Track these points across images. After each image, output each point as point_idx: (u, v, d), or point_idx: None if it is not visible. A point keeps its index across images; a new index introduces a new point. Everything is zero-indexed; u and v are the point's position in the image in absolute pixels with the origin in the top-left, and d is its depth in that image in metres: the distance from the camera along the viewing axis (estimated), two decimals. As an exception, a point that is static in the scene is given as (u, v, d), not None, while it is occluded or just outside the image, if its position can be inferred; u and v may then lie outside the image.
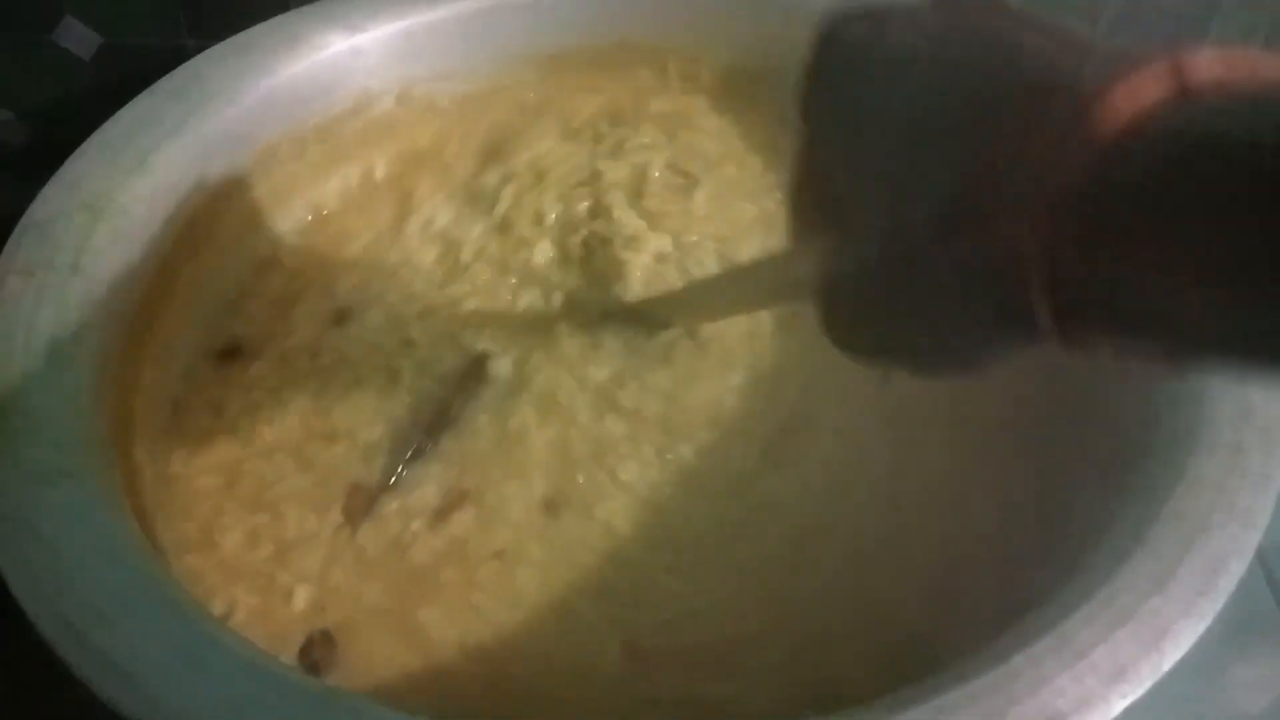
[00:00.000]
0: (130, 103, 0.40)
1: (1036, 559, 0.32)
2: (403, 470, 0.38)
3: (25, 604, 0.26)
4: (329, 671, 0.33)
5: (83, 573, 0.27)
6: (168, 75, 0.42)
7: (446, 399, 0.40)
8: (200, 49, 0.43)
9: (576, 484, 0.38)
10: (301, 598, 0.35)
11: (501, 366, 0.41)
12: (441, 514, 0.37)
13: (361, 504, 0.37)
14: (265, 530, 0.37)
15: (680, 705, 0.33)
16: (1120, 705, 0.25)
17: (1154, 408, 0.31)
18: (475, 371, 0.41)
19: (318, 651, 0.33)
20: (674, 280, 0.43)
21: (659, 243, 0.43)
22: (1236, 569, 0.27)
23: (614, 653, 0.34)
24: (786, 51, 0.44)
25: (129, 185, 0.38)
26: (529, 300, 0.43)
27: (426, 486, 0.38)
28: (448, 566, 0.36)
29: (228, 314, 0.43)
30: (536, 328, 0.42)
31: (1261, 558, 0.50)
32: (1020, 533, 0.34)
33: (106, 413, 0.34)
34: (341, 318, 0.43)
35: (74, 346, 0.33)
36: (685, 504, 0.37)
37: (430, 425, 0.39)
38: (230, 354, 0.42)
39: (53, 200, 0.36)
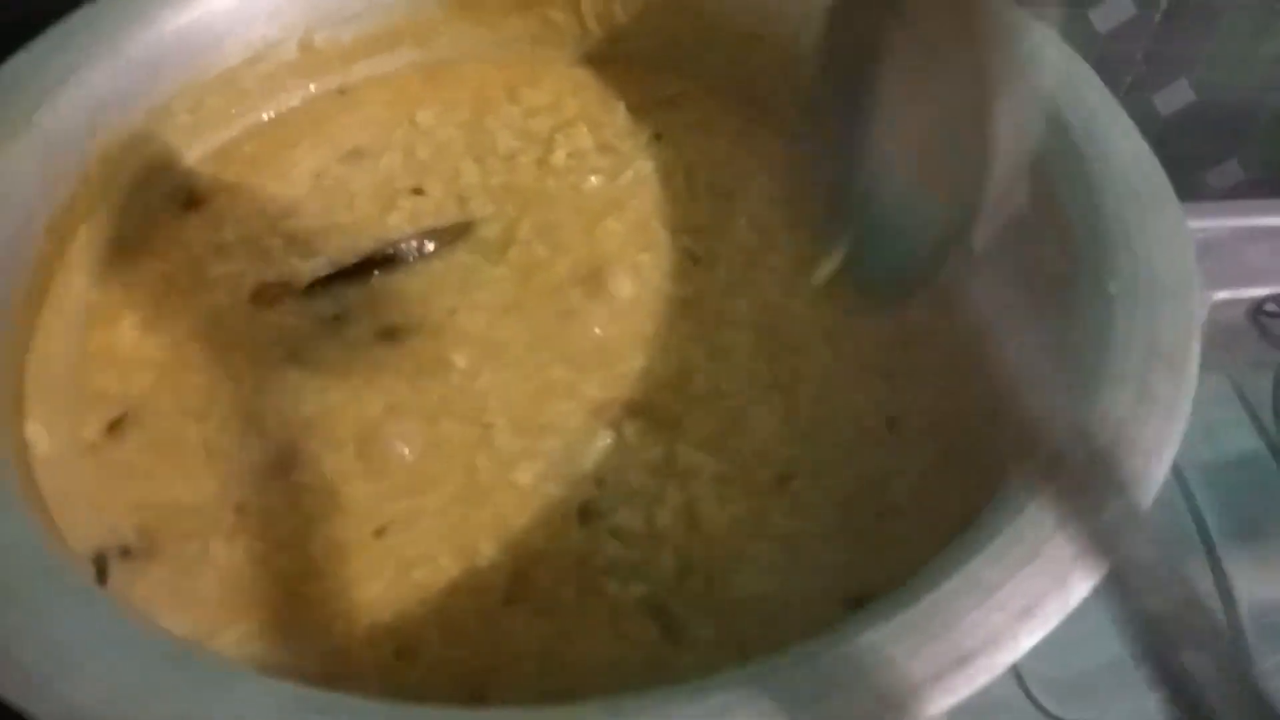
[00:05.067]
0: (9, 60, 0.38)
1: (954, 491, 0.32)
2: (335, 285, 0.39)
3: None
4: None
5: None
6: (49, 29, 0.40)
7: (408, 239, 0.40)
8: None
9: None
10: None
11: (490, 230, 0.41)
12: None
13: (274, 294, 0.39)
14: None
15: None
16: (1029, 642, 0.25)
17: (1063, 342, 0.31)
18: (461, 229, 0.41)
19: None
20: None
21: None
22: (1143, 502, 0.27)
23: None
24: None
25: (12, 146, 0.36)
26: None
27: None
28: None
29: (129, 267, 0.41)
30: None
31: (1179, 477, 0.52)
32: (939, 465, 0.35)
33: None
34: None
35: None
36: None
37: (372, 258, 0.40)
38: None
39: (-72, 166, 0.35)
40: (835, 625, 0.25)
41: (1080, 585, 0.25)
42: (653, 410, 0.36)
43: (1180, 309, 0.31)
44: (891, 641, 0.25)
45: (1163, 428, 0.28)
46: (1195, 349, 0.30)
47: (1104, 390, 0.29)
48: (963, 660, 0.24)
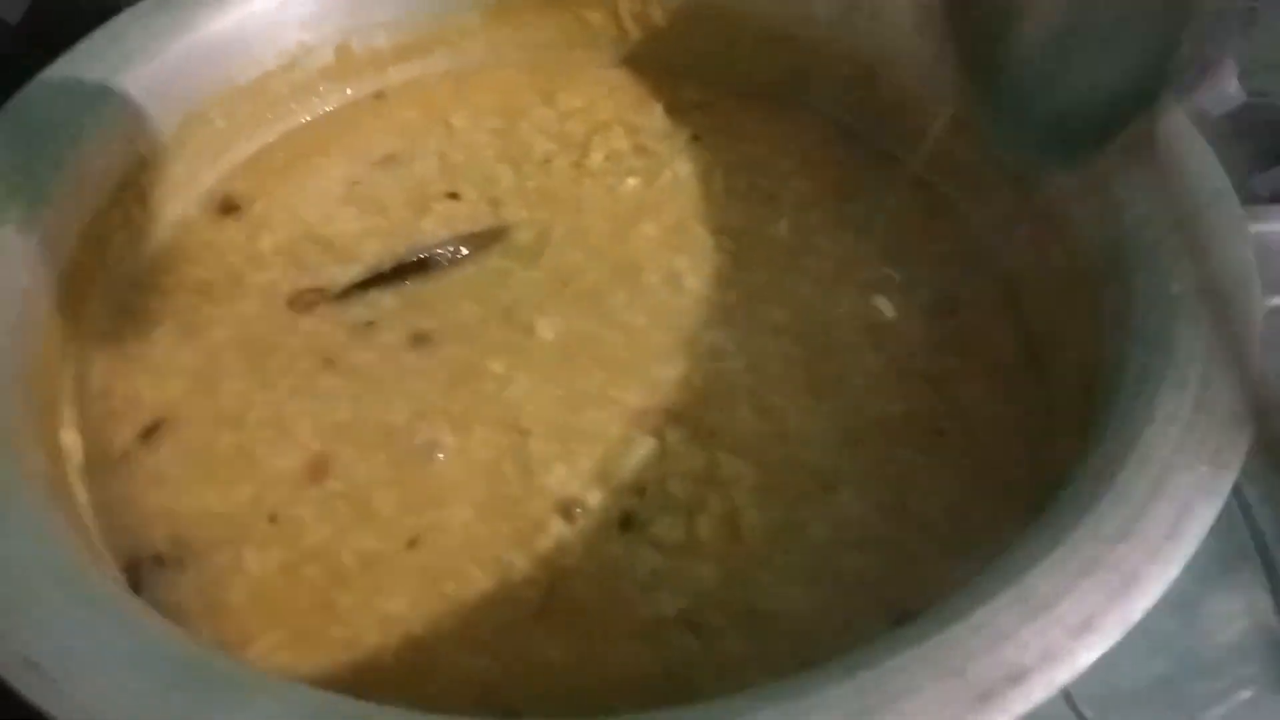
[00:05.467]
0: (45, 69, 0.38)
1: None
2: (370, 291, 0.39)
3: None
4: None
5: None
6: (87, 36, 0.40)
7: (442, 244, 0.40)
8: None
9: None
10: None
11: (525, 234, 0.41)
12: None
13: (309, 300, 0.38)
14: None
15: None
16: (1088, 658, 0.23)
17: (1121, 346, 0.30)
18: (495, 234, 0.40)
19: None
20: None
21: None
22: (1207, 512, 0.26)
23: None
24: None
25: (50, 151, 0.36)
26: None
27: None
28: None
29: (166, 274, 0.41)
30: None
31: (1237, 490, 0.50)
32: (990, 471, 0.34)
33: (32, 396, 0.32)
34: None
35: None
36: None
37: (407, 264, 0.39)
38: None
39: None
40: (881, 639, 0.24)
41: (1141, 598, 0.24)
42: (693, 417, 0.35)
43: (1242, 312, 0.29)
44: (943, 655, 0.23)
45: (1226, 436, 0.27)
46: (1257, 354, 0.28)
47: (1164, 396, 0.28)
48: (1018, 676, 0.23)
